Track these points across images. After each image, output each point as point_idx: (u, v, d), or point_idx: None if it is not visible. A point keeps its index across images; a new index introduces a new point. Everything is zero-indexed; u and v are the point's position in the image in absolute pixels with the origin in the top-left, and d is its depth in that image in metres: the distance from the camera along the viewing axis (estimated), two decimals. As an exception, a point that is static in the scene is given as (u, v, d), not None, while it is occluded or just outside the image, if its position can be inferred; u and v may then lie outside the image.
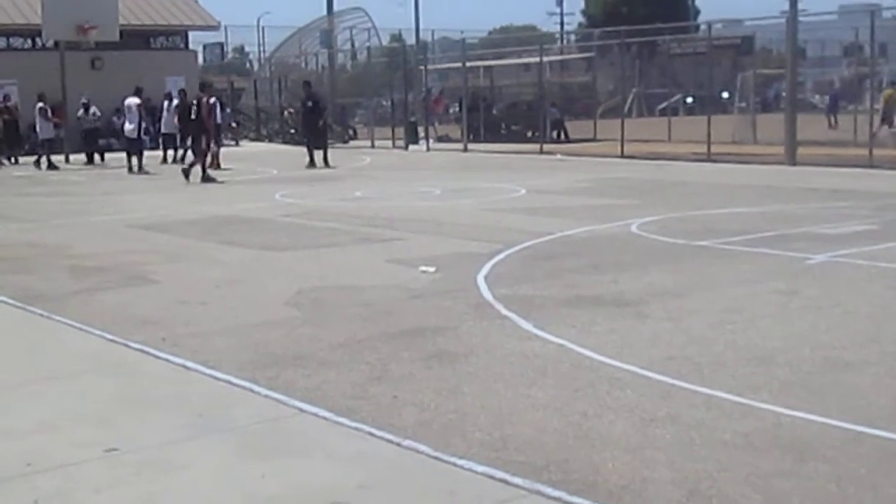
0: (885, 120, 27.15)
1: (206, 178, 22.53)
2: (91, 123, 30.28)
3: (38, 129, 29.00)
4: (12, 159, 30.49)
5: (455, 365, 6.88)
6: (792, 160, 23.15)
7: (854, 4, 45.79)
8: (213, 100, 27.18)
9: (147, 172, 26.05)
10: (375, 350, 7.29)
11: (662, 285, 9.43)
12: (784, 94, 26.50)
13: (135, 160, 26.39)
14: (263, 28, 60.43)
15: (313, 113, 26.97)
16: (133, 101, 26.87)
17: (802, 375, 6.44)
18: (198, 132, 23.06)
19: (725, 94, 34.64)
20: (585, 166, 25.14)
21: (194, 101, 23.52)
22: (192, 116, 23.24)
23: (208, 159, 23.68)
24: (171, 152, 29.70)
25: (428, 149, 33.70)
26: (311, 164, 26.26)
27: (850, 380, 6.32)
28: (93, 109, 30.12)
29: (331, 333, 7.84)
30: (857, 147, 24.75)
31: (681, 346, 7.19)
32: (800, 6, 24.21)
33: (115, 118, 33.59)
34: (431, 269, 10.37)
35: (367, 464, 5.10)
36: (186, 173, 22.54)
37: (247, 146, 37.95)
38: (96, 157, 30.51)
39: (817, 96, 41.06)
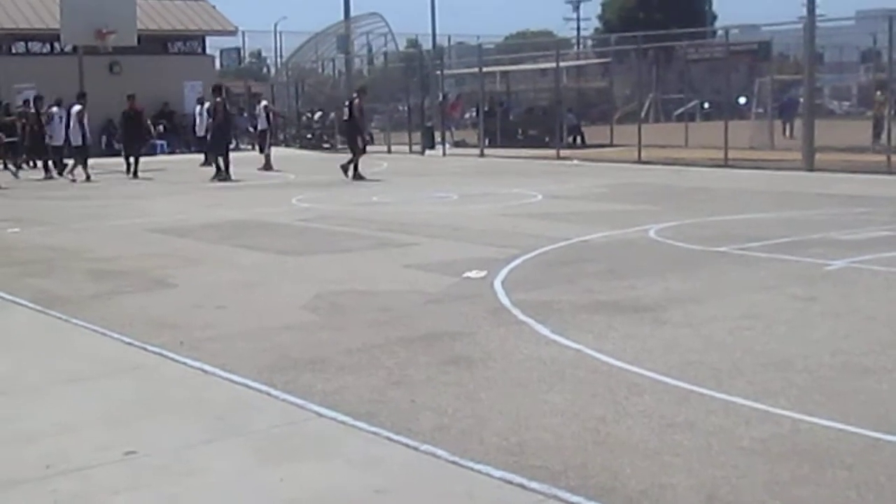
0: (877, 127, 27.06)
1: (357, 177, 23.72)
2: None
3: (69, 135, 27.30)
4: (31, 163, 30.57)
5: (472, 370, 6.88)
6: (810, 166, 23.09)
7: (872, 10, 45.60)
8: (263, 103, 28.09)
9: (75, 181, 25.45)
10: (393, 354, 7.30)
11: (680, 291, 9.42)
12: (801, 99, 26.42)
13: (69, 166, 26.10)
14: (280, 33, 60.54)
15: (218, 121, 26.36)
16: (76, 107, 26.35)
17: (821, 381, 6.42)
18: (352, 132, 24.67)
19: (742, 100, 34.49)
20: (602, 171, 25.11)
21: (347, 103, 25.18)
22: (346, 117, 25.11)
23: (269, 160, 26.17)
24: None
25: (444, 154, 33.72)
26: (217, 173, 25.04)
27: (869, 386, 6.30)
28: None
29: (348, 338, 7.85)
30: (876, 153, 24.67)
31: (699, 352, 7.18)
32: (817, 11, 24.17)
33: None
34: (483, 273, 10.34)
35: (385, 468, 5.11)
36: (345, 170, 23.85)
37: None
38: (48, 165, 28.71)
39: (835, 102, 40.89)
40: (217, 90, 26.28)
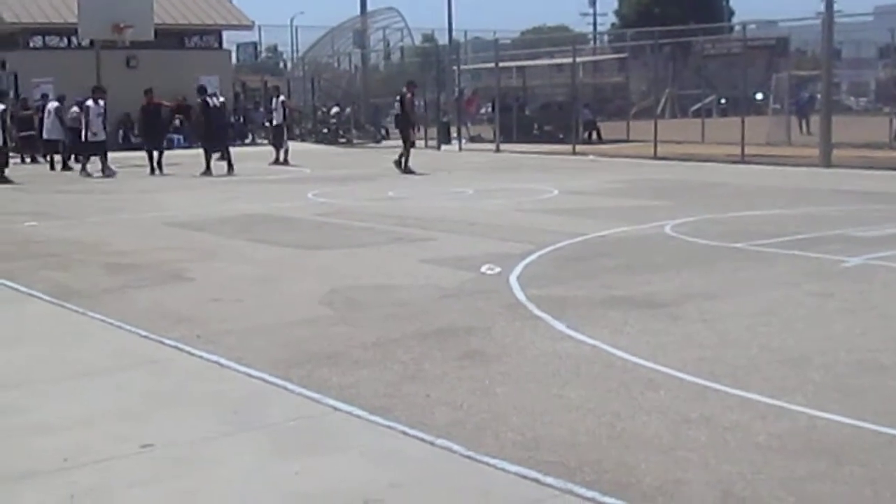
0: None
1: (405, 170, 24.16)
2: (73, 123, 29.12)
3: (90, 130, 26.06)
4: (47, 157, 30.67)
5: (488, 365, 6.89)
6: (826, 162, 23.01)
7: (890, 5, 45.40)
8: (281, 98, 28.44)
9: (114, 173, 25.21)
10: (409, 349, 7.31)
11: (696, 287, 9.40)
12: (819, 95, 26.34)
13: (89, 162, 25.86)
14: (297, 28, 60.83)
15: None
16: (91, 103, 25.81)
17: (837, 378, 6.41)
18: (403, 125, 24.93)
19: (759, 96, 34.40)
20: (618, 167, 25.08)
21: (398, 98, 25.37)
22: (397, 112, 25.36)
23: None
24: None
25: (460, 149, 33.72)
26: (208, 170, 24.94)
27: (886, 383, 6.28)
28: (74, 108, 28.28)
29: (364, 332, 7.87)
30: (893, 149, 24.59)
31: (714, 348, 7.17)
32: (835, 7, 24.09)
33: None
34: (498, 269, 10.31)
35: (400, 462, 5.12)
36: (399, 164, 24.30)
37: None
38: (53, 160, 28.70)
39: (853, 98, 40.75)
40: (200, 90, 26.31)
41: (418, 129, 27.94)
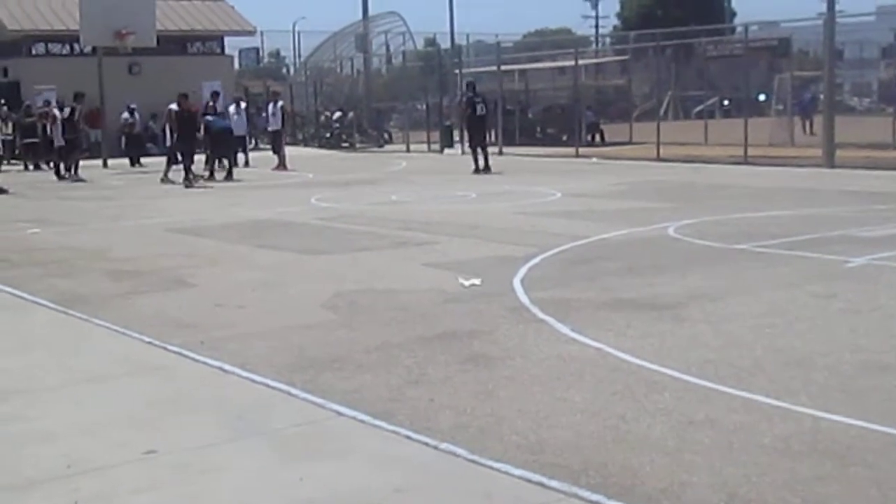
0: None
1: (479, 171, 24.65)
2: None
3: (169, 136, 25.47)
4: (50, 164, 30.72)
5: (491, 368, 6.88)
6: (830, 163, 22.97)
7: (892, 5, 45.30)
8: (280, 104, 28.57)
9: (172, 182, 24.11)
10: (412, 353, 7.30)
11: (700, 289, 9.38)
12: (821, 96, 26.30)
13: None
14: (299, 33, 60.74)
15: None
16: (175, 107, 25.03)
17: (841, 379, 6.39)
18: (482, 126, 25.41)
19: (762, 97, 34.36)
20: (621, 169, 25.05)
21: (480, 100, 25.55)
22: (479, 113, 25.39)
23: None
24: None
25: (463, 152, 33.55)
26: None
27: (890, 383, 6.26)
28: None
29: (368, 337, 7.86)
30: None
31: (719, 350, 7.16)
32: (837, 7, 24.05)
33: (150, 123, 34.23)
34: (477, 282, 10.09)
35: (404, 467, 5.11)
36: (487, 168, 24.69)
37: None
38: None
39: (855, 98, 40.70)
40: (77, 97, 27.02)
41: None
